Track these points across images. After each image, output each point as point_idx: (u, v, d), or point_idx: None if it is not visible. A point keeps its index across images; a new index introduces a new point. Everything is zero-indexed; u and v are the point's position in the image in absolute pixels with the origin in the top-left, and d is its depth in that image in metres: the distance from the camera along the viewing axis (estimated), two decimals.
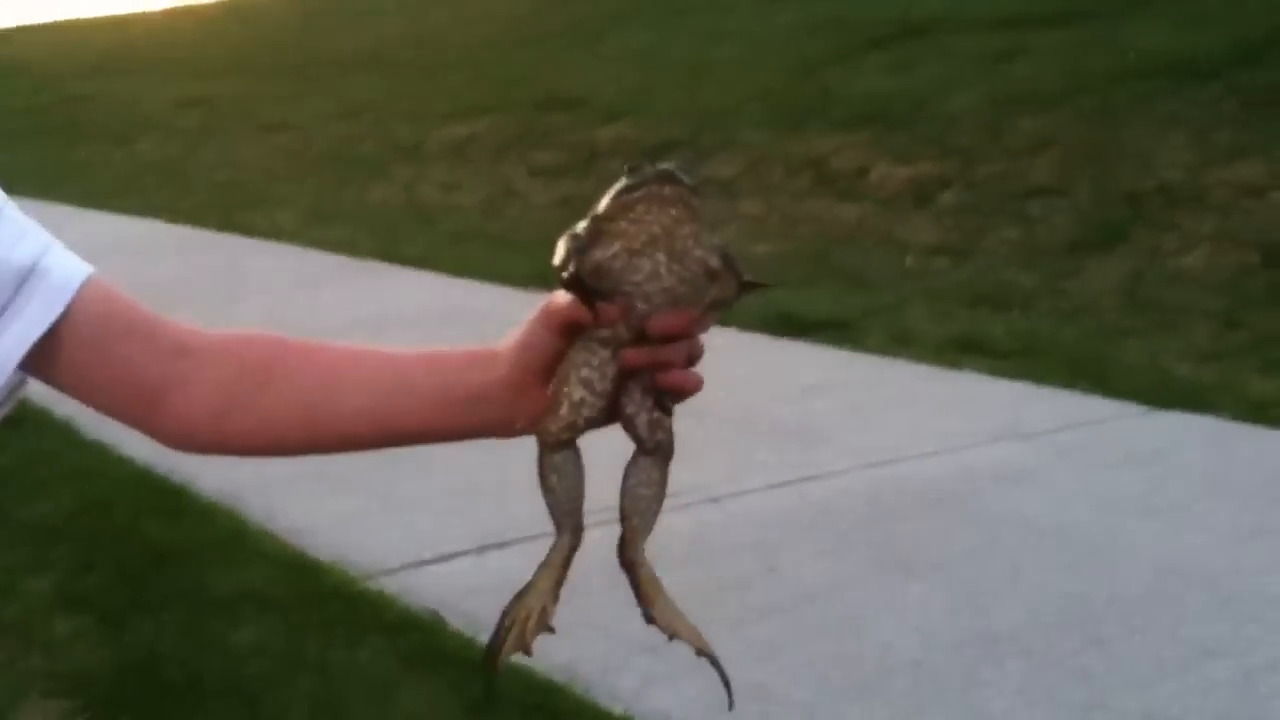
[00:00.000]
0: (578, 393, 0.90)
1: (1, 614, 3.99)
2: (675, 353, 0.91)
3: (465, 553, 4.41)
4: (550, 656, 3.65)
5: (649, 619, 0.97)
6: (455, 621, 3.89)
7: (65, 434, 5.89)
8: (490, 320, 7.22)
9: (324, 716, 3.40)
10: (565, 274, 0.87)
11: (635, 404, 0.92)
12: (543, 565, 0.96)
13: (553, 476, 0.93)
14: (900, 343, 7.14)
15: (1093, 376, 6.42)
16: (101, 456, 5.54)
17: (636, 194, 0.82)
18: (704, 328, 0.91)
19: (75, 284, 1.03)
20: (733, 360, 7.05)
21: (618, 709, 3.36)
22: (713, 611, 4.18)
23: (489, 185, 11.81)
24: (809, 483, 5.07)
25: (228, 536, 4.53)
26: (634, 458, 0.93)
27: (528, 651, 0.97)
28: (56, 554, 4.39)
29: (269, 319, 8.05)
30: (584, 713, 3.34)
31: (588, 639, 3.80)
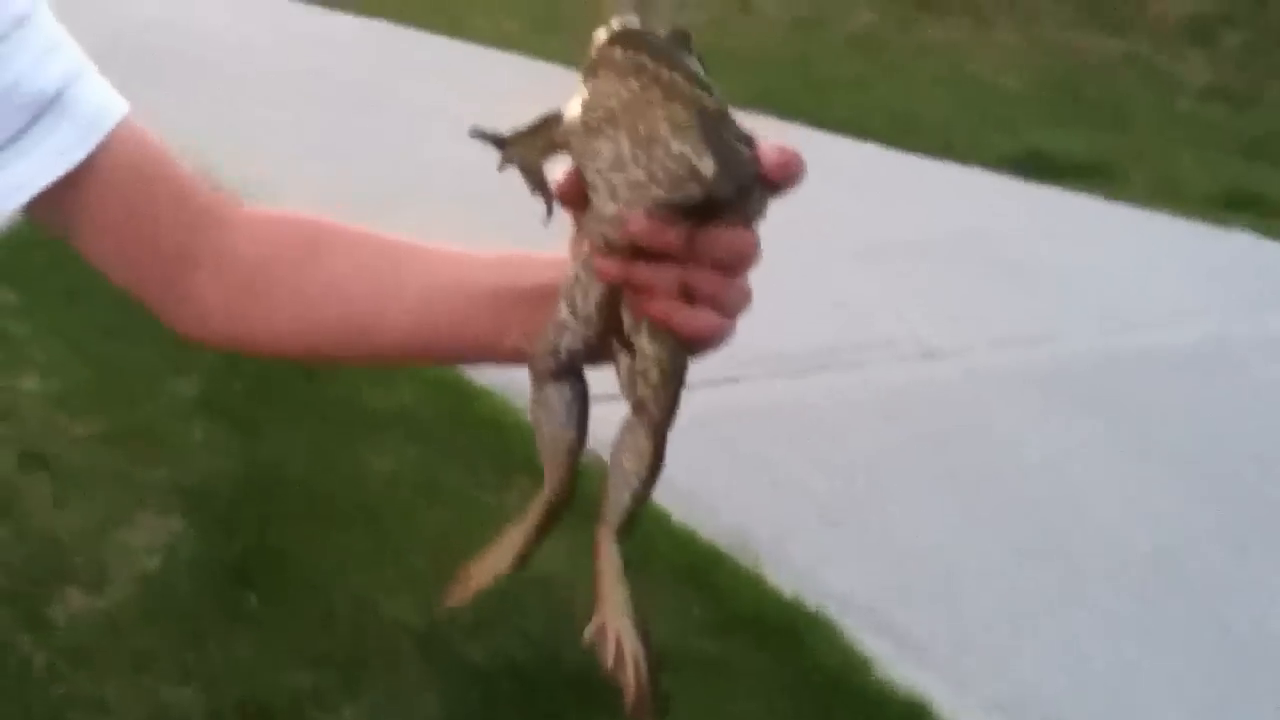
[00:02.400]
0: (562, 310, 0.72)
1: (139, 416, 3.69)
2: (653, 274, 0.68)
3: None
4: (717, 516, 3.18)
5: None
6: None
7: None
8: None
9: (454, 558, 2.99)
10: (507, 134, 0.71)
11: (617, 343, 0.72)
12: (518, 519, 0.79)
13: (538, 412, 0.75)
14: (1163, 193, 6.35)
15: None
16: None
17: (601, 68, 0.64)
18: (708, 247, 0.67)
19: (109, 122, 0.87)
20: (970, 199, 6.39)
21: (786, 588, 2.87)
22: (908, 464, 3.68)
23: None
24: (1043, 342, 4.44)
25: None
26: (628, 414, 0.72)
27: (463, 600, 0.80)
28: (204, 356, 4.07)
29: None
30: (744, 588, 2.86)
31: (761, 499, 3.31)
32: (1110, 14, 8.72)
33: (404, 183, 6.30)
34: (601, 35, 0.64)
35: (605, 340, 0.71)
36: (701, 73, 0.64)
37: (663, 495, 2.98)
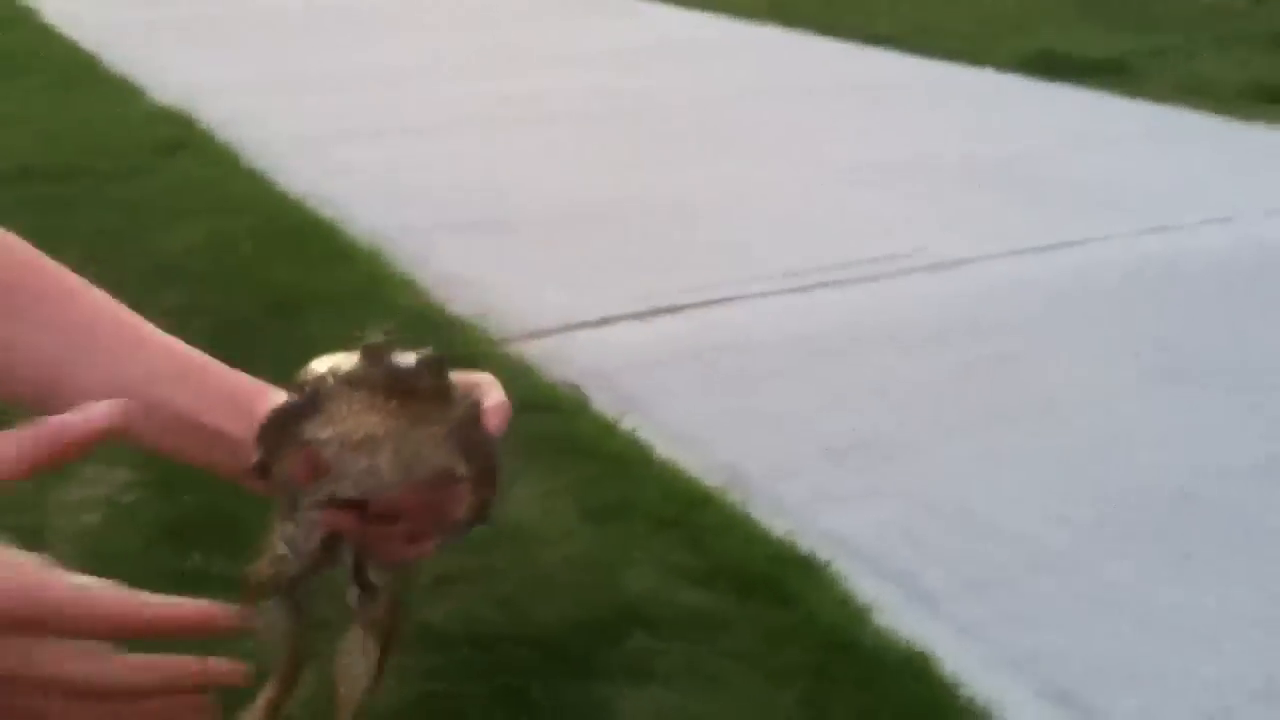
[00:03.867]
0: (280, 548, 0.73)
1: None
2: (391, 530, 0.72)
3: (628, 316, 3.68)
4: (707, 453, 2.93)
5: None
6: (600, 399, 3.19)
7: (225, 161, 5.35)
8: (716, 54, 6.33)
9: None
10: (256, 450, 0.72)
11: (347, 573, 0.76)
12: (248, 710, 0.76)
13: (255, 621, 0.75)
14: (1187, 90, 6.01)
15: None
16: (255, 187, 4.98)
17: (357, 389, 0.68)
18: (437, 526, 0.73)
19: None
20: (983, 104, 6.07)
21: (779, 529, 2.61)
22: (920, 391, 3.27)
23: None
24: (1065, 250, 4.15)
25: (362, 284, 3.90)
26: (352, 625, 0.77)
27: None
28: (169, 293, 3.83)
29: (505, 46, 7.34)
30: (731, 532, 2.61)
31: (756, 433, 3.05)
32: None
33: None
34: (358, 364, 0.68)
35: (320, 566, 0.75)
36: (454, 386, 0.69)
37: (648, 431, 2.72)
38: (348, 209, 4.58)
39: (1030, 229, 4.31)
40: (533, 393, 3.21)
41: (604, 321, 3.65)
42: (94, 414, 0.62)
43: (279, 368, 2.70)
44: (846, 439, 3.02)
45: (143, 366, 0.82)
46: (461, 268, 4.03)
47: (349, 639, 0.78)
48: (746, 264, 4.02)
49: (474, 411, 0.72)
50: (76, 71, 7.07)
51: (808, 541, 2.57)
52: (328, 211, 4.62)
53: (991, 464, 2.92)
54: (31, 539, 1.83)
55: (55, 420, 0.61)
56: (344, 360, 0.70)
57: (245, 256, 4.11)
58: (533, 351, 3.45)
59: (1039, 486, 2.82)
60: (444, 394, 0.70)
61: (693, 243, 4.24)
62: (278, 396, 0.80)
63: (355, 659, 0.78)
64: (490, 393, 0.74)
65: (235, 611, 0.68)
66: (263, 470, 0.73)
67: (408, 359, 0.68)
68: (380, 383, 0.68)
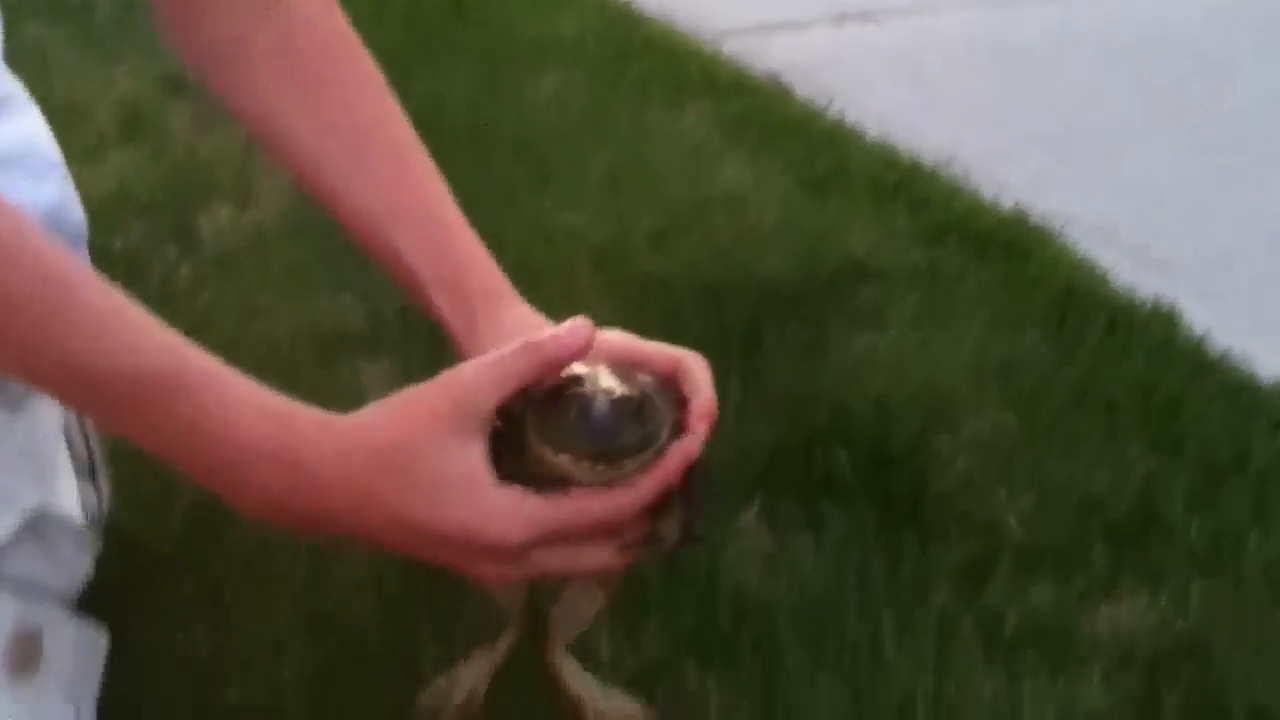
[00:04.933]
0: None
1: None
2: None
3: (821, 21, 3.56)
4: (920, 138, 2.84)
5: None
6: (803, 90, 3.10)
7: None
8: None
9: (627, 180, 2.70)
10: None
11: None
12: (484, 648, 0.83)
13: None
14: None
15: None
16: None
17: (559, 448, 0.70)
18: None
19: None
20: None
21: (1007, 202, 2.54)
22: (1127, 94, 3.11)
23: None
24: None
25: None
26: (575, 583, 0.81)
27: None
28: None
29: None
30: (959, 197, 2.54)
31: (971, 125, 2.95)
32: None
33: None
34: (554, 410, 0.69)
35: None
36: (656, 418, 0.70)
37: (853, 117, 2.61)
38: None
39: None
40: (732, 80, 3.14)
41: (796, 25, 3.54)
42: (573, 340, 0.69)
43: (476, 58, 2.65)
44: (1063, 130, 2.92)
45: (398, 208, 0.86)
46: None
47: (579, 586, 0.79)
48: None
49: (676, 444, 0.71)
50: None
51: (1036, 215, 2.49)
52: None
53: (1218, 156, 2.80)
54: (244, 200, 1.81)
55: (542, 345, 0.69)
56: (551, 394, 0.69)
57: None
58: (727, 48, 3.36)
59: (1269, 179, 2.71)
60: (646, 439, 0.70)
61: None
62: (500, 295, 0.83)
63: (578, 602, 0.79)
64: (697, 382, 0.73)
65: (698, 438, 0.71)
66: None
67: (602, 408, 0.67)
68: (581, 446, 0.69)
